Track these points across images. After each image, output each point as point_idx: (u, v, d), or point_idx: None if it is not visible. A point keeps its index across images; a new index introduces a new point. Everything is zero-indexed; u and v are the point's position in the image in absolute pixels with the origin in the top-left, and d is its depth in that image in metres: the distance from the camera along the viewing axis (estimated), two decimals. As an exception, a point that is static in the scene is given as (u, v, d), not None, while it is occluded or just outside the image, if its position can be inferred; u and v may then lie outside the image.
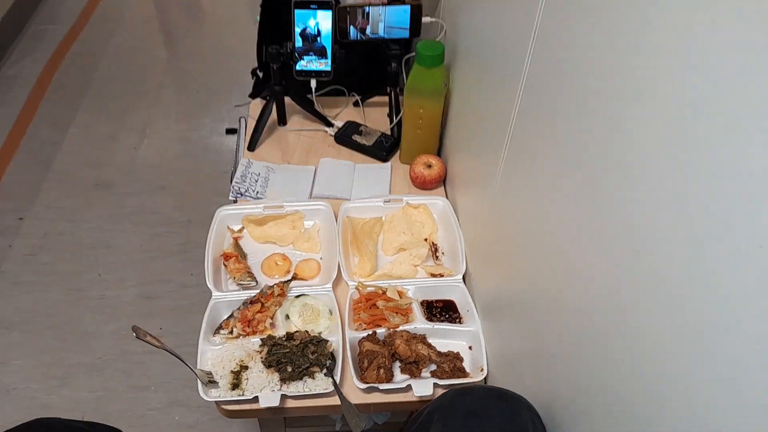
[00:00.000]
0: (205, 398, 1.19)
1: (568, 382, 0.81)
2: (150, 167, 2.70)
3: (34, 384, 1.88)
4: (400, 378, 1.30)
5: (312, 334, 1.31)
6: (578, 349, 0.76)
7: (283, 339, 1.28)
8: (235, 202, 1.68)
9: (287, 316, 1.37)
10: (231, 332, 1.31)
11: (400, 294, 1.40)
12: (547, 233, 0.85)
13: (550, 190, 0.89)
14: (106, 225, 2.42)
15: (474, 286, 1.30)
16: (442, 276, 1.45)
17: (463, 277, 1.44)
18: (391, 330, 1.33)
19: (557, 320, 0.83)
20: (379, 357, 1.27)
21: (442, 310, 1.42)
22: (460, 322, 1.38)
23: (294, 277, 1.43)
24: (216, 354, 1.27)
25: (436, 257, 1.52)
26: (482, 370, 1.26)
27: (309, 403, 1.24)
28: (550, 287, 0.86)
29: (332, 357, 1.27)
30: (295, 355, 1.24)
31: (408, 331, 1.33)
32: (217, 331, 1.32)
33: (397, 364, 1.33)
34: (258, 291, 1.37)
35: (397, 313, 1.36)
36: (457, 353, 1.33)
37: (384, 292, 1.39)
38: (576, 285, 0.75)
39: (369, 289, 1.40)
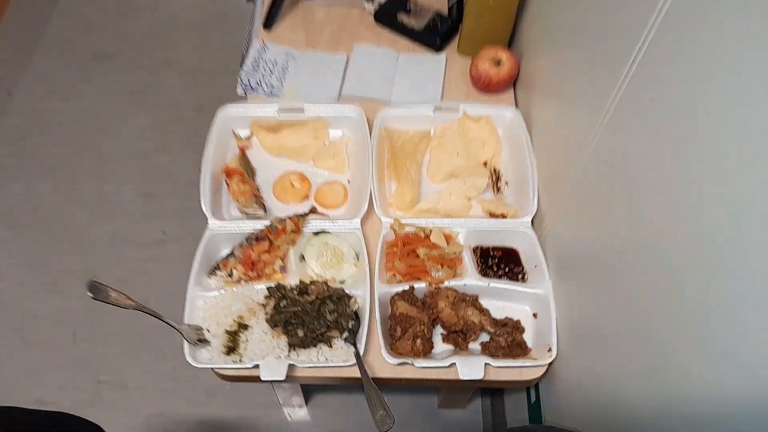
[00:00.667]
0: (193, 363, 0.94)
1: (688, 391, 0.60)
2: (156, 37, 2.32)
3: (22, 289, 1.69)
4: (441, 349, 1.03)
5: (332, 286, 1.02)
6: (706, 342, 0.57)
7: (295, 292, 1.00)
8: (244, 97, 1.33)
9: (302, 257, 1.07)
10: (230, 275, 1.04)
11: (448, 238, 1.09)
12: (676, 180, 0.62)
13: (706, 125, 0.57)
14: (105, 105, 2.11)
15: (547, 233, 1.08)
16: (504, 217, 1.12)
17: (532, 221, 1.10)
18: (434, 287, 1.03)
19: (674, 296, 0.62)
20: (416, 324, 0.98)
21: (501, 262, 1.11)
22: (523, 280, 1.08)
23: (312, 210, 1.11)
24: (209, 304, 1.01)
25: (498, 189, 1.18)
26: (550, 350, 0.98)
27: (324, 373, 0.98)
28: (669, 250, 0.63)
29: (356, 318, 1.00)
30: (309, 316, 0.97)
31: (455, 290, 1.04)
32: (212, 271, 1.04)
33: (439, 329, 1.04)
34: (266, 225, 1.07)
35: (442, 264, 1.06)
36: (518, 322, 1.04)
37: (427, 236, 1.08)
38: (712, 253, 0.55)
39: (408, 228, 1.09)
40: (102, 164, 1.97)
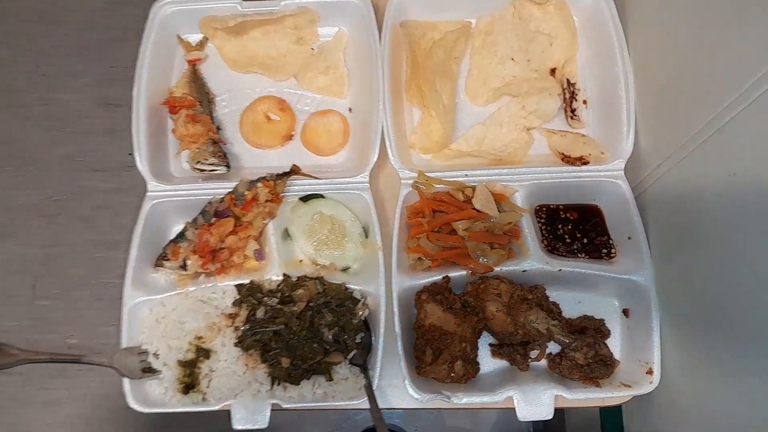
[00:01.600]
0: (137, 408, 0.68)
1: None
2: None
3: (-36, 233, 1.39)
4: (490, 366, 0.75)
5: (329, 281, 0.72)
6: None
7: (275, 298, 0.69)
8: None
9: (286, 233, 0.75)
10: (183, 266, 0.72)
11: (499, 198, 0.77)
12: None
13: None
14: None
15: (650, 187, 0.78)
16: (583, 162, 0.76)
17: (625, 167, 0.75)
18: (479, 277, 0.71)
19: None
20: (454, 343, 0.68)
21: (576, 229, 0.78)
22: (609, 257, 0.74)
23: (293, 170, 0.76)
24: (155, 314, 0.72)
25: (573, 112, 0.81)
26: (651, 372, 0.67)
27: (323, 407, 0.71)
28: None
29: (366, 327, 0.70)
30: (297, 337, 0.67)
31: (510, 281, 0.73)
32: (159, 261, 0.74)
33: (485, 339, 0.74)
34: (229, 191, 0.74)
35: (491, 244, 0.72)
36: (600, 323, 0.75)
37: (468, 198, 0.74)
38: None
39: (438, 187, 0.74)
40: (46, 63, 1.59)
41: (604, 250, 0.79)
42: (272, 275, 0.75)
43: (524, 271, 0.75)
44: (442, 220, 0.76)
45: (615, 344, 0.77)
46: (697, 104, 0.65)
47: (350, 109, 0.87)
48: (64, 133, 1.56)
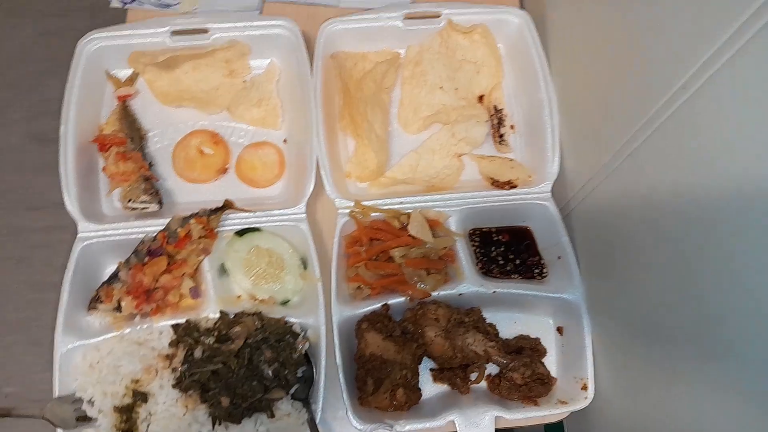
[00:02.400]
0: None
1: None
2: None
3: None
4: (432, 391, 0.76)
5: (268, 316, 0.72)
6: None
7: (212, 336, 0.68)
8: (121, 9, 0.92)
9: (223, 269, 0.75)
10: (118, 308, 0.71)
11: (434, 224, 0.79)
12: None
13: None
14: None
15: (579, 206, 0.81)
16: (512, 186, 0.78)
17: (552, 189, 0.78)
18: (417, 303, 0.72)
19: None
20: (395, 371, 0.69)
21: (508, 251, 0.80)
22: (540, 276, 0.77)
23: (226, 205, 0.76)
24: (89, 359, 0.70)
25: (501, 138, 0.84)
26: (585, 387, 0.69)
27: (268, 443, 0.70)
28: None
29: (307, 362, 0.69)
30: (236, 375, 0.66)
31: (447, 305, 0.75)
32: (92, 304, 0.72)
33: (426, 364, 0.75)
34: (161, 228, 0.73)
35: (428, 269, 0.74)
36: (536, 342, 0.77)
37: (405, 225, 0.75)
38: None
39: (375, 215, 0.75)
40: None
41: (536, 270, 0.81)
42: (209, 313, 0.74)
43: (460, 294, 0.77)
44: (380, 248, 0.77)
45: (551, 362, 0.79)
46: (615, 126, 0.68)
47: (285, 140, 0.87)
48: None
